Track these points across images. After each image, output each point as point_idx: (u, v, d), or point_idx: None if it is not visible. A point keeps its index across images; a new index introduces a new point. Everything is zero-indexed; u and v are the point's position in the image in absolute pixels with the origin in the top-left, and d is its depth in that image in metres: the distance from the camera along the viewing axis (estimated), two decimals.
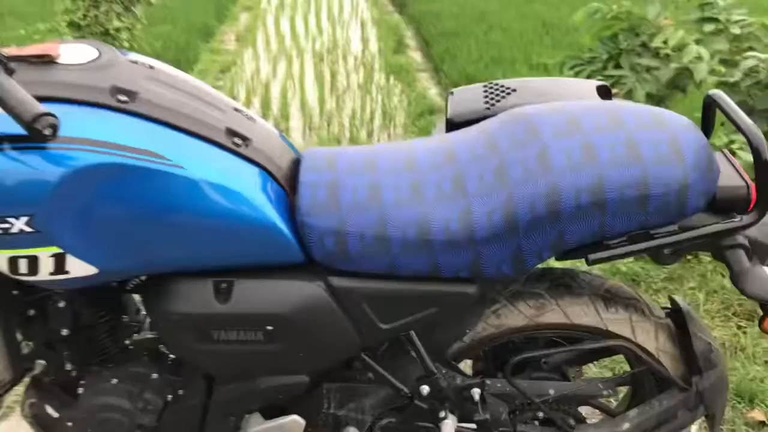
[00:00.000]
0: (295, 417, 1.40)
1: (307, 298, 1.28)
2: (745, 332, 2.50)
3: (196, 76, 4.60)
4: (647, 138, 1.24)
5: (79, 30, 4.15)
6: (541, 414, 1.51)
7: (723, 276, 2.88)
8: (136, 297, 1.47)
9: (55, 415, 1.47)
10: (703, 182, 1.24)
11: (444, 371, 1.40)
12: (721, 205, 1.28)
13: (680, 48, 3.65)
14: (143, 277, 1.36)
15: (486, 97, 1.50)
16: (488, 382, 1.43)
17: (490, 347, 1.48)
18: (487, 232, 1.21)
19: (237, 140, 1.26)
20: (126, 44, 4.18)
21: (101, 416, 1.40)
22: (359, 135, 5.34)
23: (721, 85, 3.62)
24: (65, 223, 1.15)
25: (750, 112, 3.50)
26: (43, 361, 1.40)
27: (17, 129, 1.12)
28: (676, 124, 1.28)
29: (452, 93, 1.56)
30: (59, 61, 1.19)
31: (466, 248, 1.22)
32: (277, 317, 1.27)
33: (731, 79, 3.53)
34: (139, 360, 1.41)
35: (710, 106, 1.37)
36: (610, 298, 1.44)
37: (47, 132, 0.98)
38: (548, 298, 1.41)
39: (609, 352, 1.58)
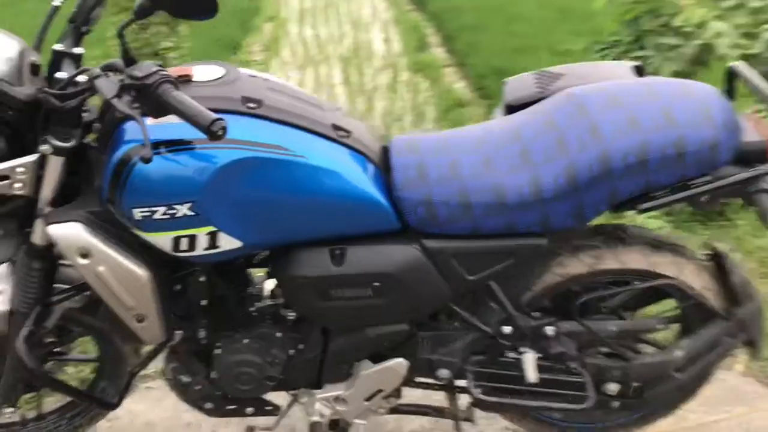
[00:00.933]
0: (399, 360, 1.68)
1: (406, 257, 1.55)
2: None
3: None
4: (680, 105, 1.49)
5: None
6: (604, 349, 1.76)
7: (757, 237, 3.10)
8: (255, 272, 1.75)
9: (194, 376, 1.75)
10: (730, 139, 1.48)
11: (521, 314, 1.66)
12: (745, 157, 1.52)
13: (702, 25, 3.85)
14: (266, 253, 1.63)
15: (537, 82, 1.75)
16: (559, 322, 1.68)
17: (557, 294, 1.73)
18: (553, 192, 1.47)
19: (342, 133, 1.54)
20: (175, 62, 4.48)
21: (237, 371, 1.68)
22: (392, 133, 5.59)
23: (742, 57, 3.83)
24: (218, 207, 1.43)
25: None
26: (181, 331, 1.68)
27: (172, 135, 1.39)
28: (704, 92, 1.53)
29: (506, 82, 1.82)
30: (195, 79, 1.46)
31: (536, 207, 1.49)
32: (382, 275, 1.54)
33: (752, 51, 3.72)
34: (263, 323, 1.68)
35: (732, 77, 1.61)
36: (657, 245, 1.69)
37: (220, 133, 1.24)
38: (604, 248, 1.66)
39: (659, 296, 1.82)
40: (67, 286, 1.73)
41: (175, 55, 4.46)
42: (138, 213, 1.42)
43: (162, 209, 1.41)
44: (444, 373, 1.71)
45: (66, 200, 1.54)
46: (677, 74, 4.18)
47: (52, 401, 2.08)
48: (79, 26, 1.52)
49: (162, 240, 1.46)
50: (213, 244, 1.46)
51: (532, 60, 6.70)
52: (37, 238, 1.55)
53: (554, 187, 1.47)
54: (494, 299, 1.65)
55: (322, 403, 1.74)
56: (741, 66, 1.59)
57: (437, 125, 5.74)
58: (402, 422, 2.17)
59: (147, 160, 1.27)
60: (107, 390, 2.00)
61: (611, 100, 1.51)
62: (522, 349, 1.66)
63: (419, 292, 1.57)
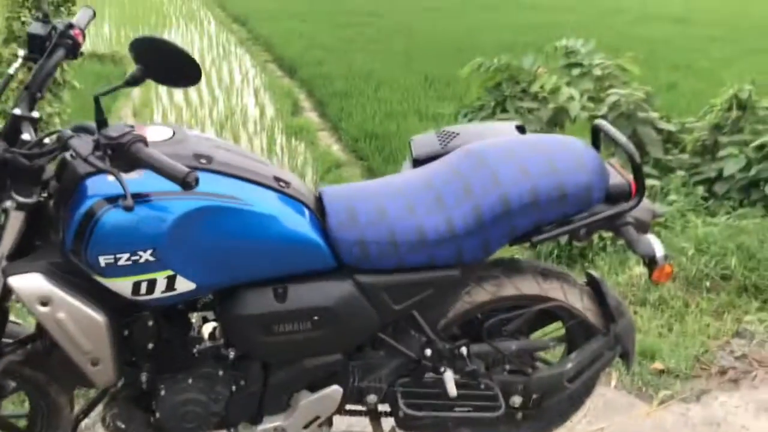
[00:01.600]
0: (335, 386, 1.86)
1: (342, 292, 1.75)
2: (638, 314, 3.11)
3: None
4: (560, 156, 1.81)
5: None
6: (507, 366, 2.02)
7: (616, 274, 3.53)
8: (193, 316, 1.88)
9: (134, 420, 1.84)
10: (600, 182, 1.81)
11: (438, 338, 1.89)
12: (613, 196, 1.86)
13: (555, 91, 4.37)
14: (209, 298, 1.78)
15: (439, 140, 2.03)
16: (471, 344, 1.93)
17: (465, 320, 1.98)
18: (464, 230, 1.73)
19: (282, 183, 1.73)
20: (60, 126, 4.50)
21: (183, 410, 1.79)
22: None
23: (590, 118, 4.37)
24: (177, 251, 1.57)
25: None
26: (123, 378, 1.78)
27: (134, 188, 1.54)
28: (578, 144, 1.86)
29: (413, 140, 2.09)
30: (149, 140, 1.62)
31: (451, 243, 1.74)
32: (320, 309, 1.73)
33: (599, 113, 4.27)
34: (205, 363, 1.81)
35: (597, 131, 1.97)
36: (546, 273, 1.98)
37: (194, 184, 1.39)
38: (503, 277, 1.94)
39: (547, 320, 2.12)
40: (10, 341, 1.79)
41: (59, 121, 4.48)
42: (103, 260, 1.55)
43: (126, 255, 1.55)
44: (372, 398, 1.91)
45: (20, 254, 1.63)
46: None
47: None
48: (34, 92, 1.64)
49: (123, 285, 1.59)
50: (170, 286, 1.60)
51: (402, 124, 7.15)
52: None
53: (464, 226, 1.74)
54: (415, 326, 1.87)
55: None
56: (603, 123, 1.95)
57: (318, 186, 5.98)
58: None
59: (129, 209, 1.41)
60: None
61: (505, 152, 1.81)
62: (442, 369, 1.88)
63: (353, 322, 1.78)
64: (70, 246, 1.57)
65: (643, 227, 1.91)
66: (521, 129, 2.07)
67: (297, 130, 7.67)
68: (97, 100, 1.51)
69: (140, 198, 1.56)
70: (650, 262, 1.89)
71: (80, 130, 1.57)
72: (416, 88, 8.55)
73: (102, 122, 1.49)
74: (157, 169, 1.41)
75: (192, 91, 8.90)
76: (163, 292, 1.62)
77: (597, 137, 1.98)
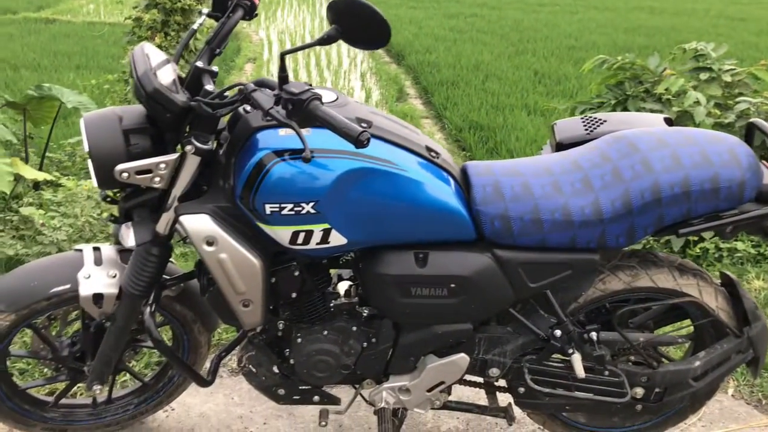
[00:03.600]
0: (462, 355, 1.90)
1: (480, 264, 1.79)
2: None
3: None
4: (713, 149, 1.78)
5: None
6: (632, 357, 2.02)
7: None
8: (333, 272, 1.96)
9: (269, 364, 1.94)
10: (753, 180, 1.78)
11: (569, 321, 1.90)
12: (765, 197, 1.82)
13: (680, 94, 4.25)
14: (351, 255, 1.85)
15: (585, 125, 2.04)
16: (601, 330, 1.93)
17: (593, 307, 1.98)
18: (611, 214, 1.74)
19: (433, 153, 1.78)
20: None
21: (316, 358, 1.88)
22: None
23: (716, 125, 4.24)
24: (334, 207, 1.65)
25: None
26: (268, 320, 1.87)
27: (298, 144, 1.61)
28: (731, 139, 1.83)
29: (556, 124, 2.10)
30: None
31: (596, 226, 1.75)
32: (458, 278, 1.78)
33: (726, 121, 4.13)
34: (340, 317, 1.89)
35: (752, 129, 1.93)
36: (683, 269, 1.96)
37: (366, 143, 1.44)
38: (639, 268, 1.93)
39: (675, 317, 2.09)
40: (168, 277, 1.92)
41: None
42: (268, 208, 1.64)
43: (289, 206, 1.63)
44: (494, 371, 1.94)
45: (188, 197, 1.74)
46: None
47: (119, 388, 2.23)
48: (214, 48, 1.74)
49: (283, 233, 1.68)
50: (324, 239, 1.69)
51: (509, 117, 7.10)
52: (161, 227, 1.75)
53: (612, 210, 1.74)
54: (546, 306, 1.89)
55: (388, 392, 1.95)
56: (760, 121, 1.91)
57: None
58: (439, 422, 2.37)
59: (307, 160, 1.49)
60: (179, 376, 2.18)
61: (657, 141, 1.80)
62: (570, 351, 1.90)
63: (488, 295, 1.81)
64: (239, 193, 1.66)
65: None
66: (669, 121, 2.05)
67: (401, 116, 7.70)
68: (282, 57, 1.58)
69: (297, 155, 1.64)
70: None
71: (260, 85, 1.66)
72: (525, 82, 8.46)
73: (284, 78, 1.56)
74: (332, 126, 1.47)
75: (302, 69, 9.08)
76: (317, 243, 1.70)
77: (751, 136, 1.94)
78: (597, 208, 1.75)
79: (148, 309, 1.80)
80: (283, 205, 1.64)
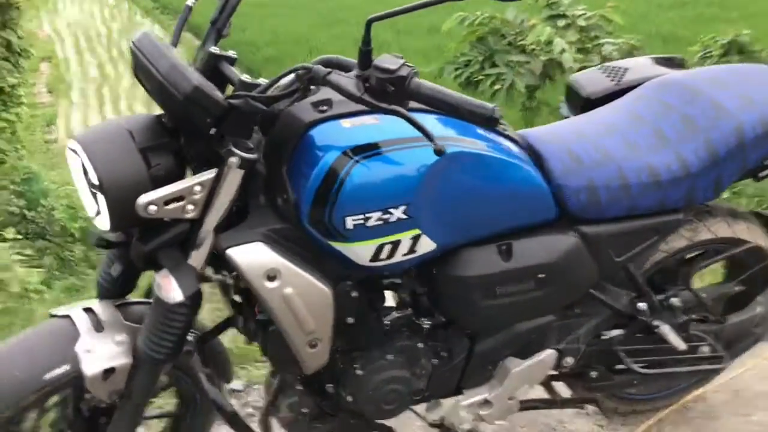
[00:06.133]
0: (550, 351, 1.65)
1: (568, 246, 1.53)
2: None
3: None
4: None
5: None
6: (694, 316, 1.89)
7: None
8: None
9: (317, 405, 1.58)
10: None
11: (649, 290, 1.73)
12: None
13: (548, 42, 4.31)
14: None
15: (608, 76, 1.86)
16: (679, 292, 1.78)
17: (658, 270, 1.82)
18: (698, 167, 1.57)
19: (503, 126, 1.52)
20: (24, 99, 4.03)
21: (385, 389, 1.54)
22: None
23: (581, 69, 4.35)
24: (426, 206, 1.34)
25: None
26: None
27: (373, 137, 1.29)
28: None
29: (574, 78, 1.85)
30: None
31: (685, 183, 1.57)
32: (546, 266, 1.50)
33: (591, 64, 4.25)
34: (400, 335, 1.58)
35: None
36: (734, 215, 1.85)
37: (500, 120, 1.11)
38: (697, 221, 1.80)
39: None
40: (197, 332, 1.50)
41: (23, 93, 3.99)
42: (351, 221, 1.30)
43: (377, 214, 1.30)
44: (568, 360, 1.71)
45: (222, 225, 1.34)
46: (529, 88, 4.63)
47: None
48: (221, 28, 1.37)
49: (365, 249, 1.34)
50: (412, 248, 1.37)
51: None
52: (199, 267, 1.34)
53: (698, 162, 1.56)
54: (624, 279, 1.70)
55: (466, 410, 1.67)
56: None
57: None
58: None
59: (440, 152, 1.16)
60: None
61: (716, 81, 1.64)
62: (656, 324, 1.73)
63: (575, 278, 1.58)
64: (306, 210, 1.31)
65: None
66: (682, 62, 1.94)
67: None
68: (369, 25, 1.16)
69: (388, 146, 1.30)
70: None
71: (332, 65, 1.27)
72: (350, 52, 8.16)
73: (367, 53, 1.18)
74: (449, 106, 1.16)
75: (107, 63, 8.32)
76: (404, 255, 1.37)
77: None
78: (683, 163, 1.58)
79: (199, 373, 1.40)
80: (368, 215, 1.31)
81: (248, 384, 2.16)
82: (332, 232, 1.29)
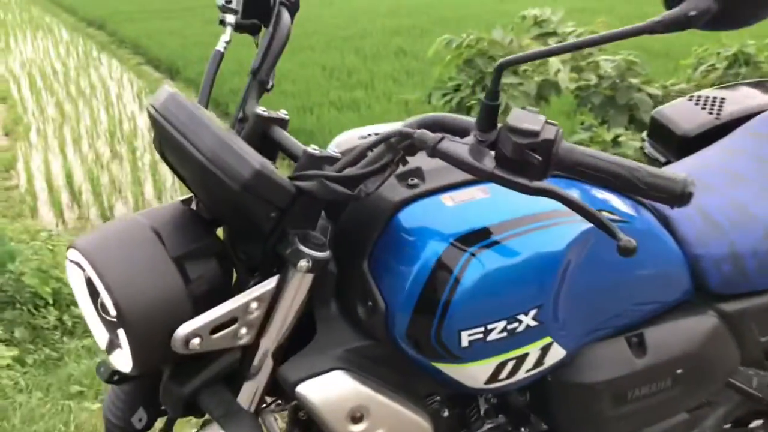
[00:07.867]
0: None
1: (707, 330, 1.27)
2: None
3: None
4: None
5: None
6: None
7: None
8: None
9: None
10: None
11: None
12: None
13: (541, 63, 4.11)
14: None
15: (703, 108, 1.59)
16: None
17: None
18: None
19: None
20: None
21: None
22: None
23: (577, 90, 4.16)
24: (562, 306, 1.06)
25: (613, 106, 4.06)
26: None
27: (487, 220, 1.02)
28: None
29: (660, 113, 1.62)
30: None
31: None
32: (686, 357, 1.25)
33: (591, 82, 4.06)
34: None
35: None
36: None
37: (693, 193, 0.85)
38: None
39: None
40: None
41: None
42: (467, 337, 1.01)
43: (501, 324, 1.02)
44: None
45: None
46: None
47: None
48: (265, 80, 1.11)
49: (481, 370, 1.06)
50: (539, 361, 1.09)
51: (322, 116, 6.70)
52: (247, 405, 1.03)
53: None
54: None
55: None
56: None
57: None
58: None
59: (631, 251, 0.87)
60: None
61: None
62: None
63: (715, 368, 1.30)
64: (402, 321, 1.02)
65: None
66: None
67: None
68: (500, 70, 0.91)
69: (510, 230, 1.03)
70: None
71: (428, 125, 0.97)
72: (318, 79, 8.08)
73: (494, 110, 0.91)
74: (627, 179, 0.85)
75: (66, 102, 7.94)
76: (527, 371, 1.09)
77: None
78: None
79: None
80: (491, 327, 1.02)
81: None
82: (439, 351, 0.99)
